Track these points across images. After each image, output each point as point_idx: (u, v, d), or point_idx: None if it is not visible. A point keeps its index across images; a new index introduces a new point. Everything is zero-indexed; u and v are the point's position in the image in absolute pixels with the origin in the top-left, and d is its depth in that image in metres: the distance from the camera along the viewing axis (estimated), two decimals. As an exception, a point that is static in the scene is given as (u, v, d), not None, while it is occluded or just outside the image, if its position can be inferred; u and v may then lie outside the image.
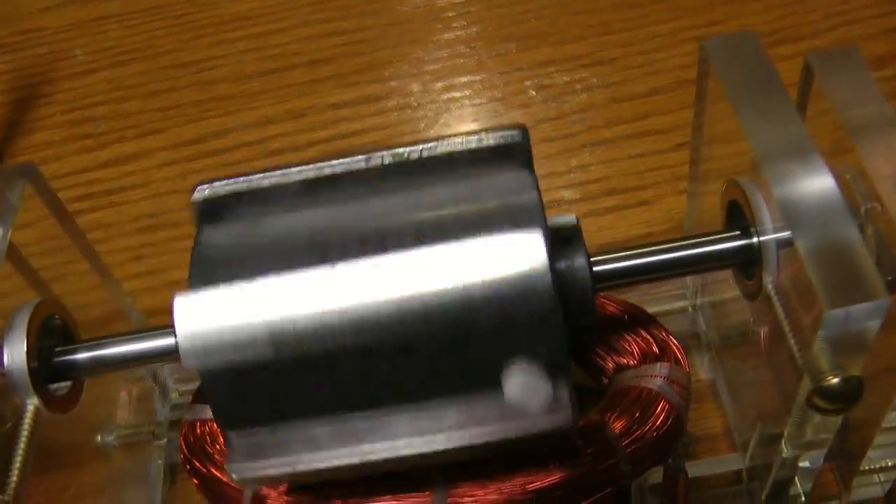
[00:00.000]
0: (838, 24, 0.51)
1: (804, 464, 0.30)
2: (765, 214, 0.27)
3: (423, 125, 0.51)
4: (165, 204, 0.49)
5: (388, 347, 0.25)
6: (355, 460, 0.26)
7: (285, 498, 0.30)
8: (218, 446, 0.32)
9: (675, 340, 0.33)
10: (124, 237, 0.48)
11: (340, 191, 0.27)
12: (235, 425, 0.26)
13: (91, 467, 0.36)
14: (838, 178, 0.25)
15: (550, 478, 0.29)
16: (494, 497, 0.29)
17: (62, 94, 0.56)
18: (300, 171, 0.27)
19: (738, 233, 0.28)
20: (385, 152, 0.27)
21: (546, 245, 0.24)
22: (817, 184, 0.24)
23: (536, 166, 0.27)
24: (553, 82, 0.52)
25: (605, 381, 0.34)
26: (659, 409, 0.31)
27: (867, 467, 0.31)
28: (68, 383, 0.30)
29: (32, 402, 0.28)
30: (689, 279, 0.39)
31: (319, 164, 0.27)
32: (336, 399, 0.25)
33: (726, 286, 0.32)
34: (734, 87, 0.28)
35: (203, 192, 0.27)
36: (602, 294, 0.35)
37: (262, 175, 0.27)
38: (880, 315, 0.23)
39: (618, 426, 0.31)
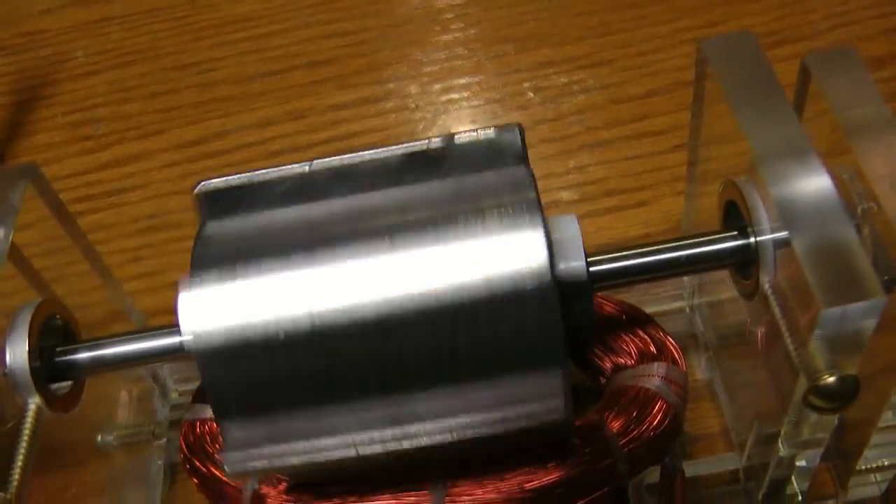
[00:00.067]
0: (838, 24, 0.51)
1: (801, 463, 0.30)
2: (762, 214, 0.27)
3: (421, 126, 0.51)
4: (166, 205, 0.49)
5: (387, 343, 0.25)
6: (350, 453, 0.26)
7: (285, 497, 0.30)
8: (218, 446, 0.32)
9: (672, 340, 0.33)
10: (125, 238, 0.48)
11: (341, 187, 0.28)
12: (234, 415, 0.26)
13: (91, 467, 0.36)
14: (835, 178, 0.25)
15: (548, 477, 0.29)
16: (492, 496, 0.29)
17: (63, 96, 0.56)
18: (301, 167, 0.28)
19: (735, 233, 0.28)
20: (386, 150, 0.28)
21: (546, 245, 0.24)
22: (814, 184, 0.25)
23: (534, 167, 0.27)
24: (551, 84, 0.52)
25: (603, 380, 0.34)
26: (656, 408, 0.31)
27: (864, 467, 0.31)
28: (69, 383, 0.30)
29: (34, 402, 0.28)
30: (686, 279, 0.39)
31: (322, 161, 0.28)
32: (334, 391, 0.25)
33: (723, 286, 0.32)
34: (732, 87, 0.28)
35: (206, 186, 0.28)
36: (600, 294, 0.35)
37: (263, 171, 0.28)
38: (876, 314, 0.23)
39: (615, 426, 0.31)
